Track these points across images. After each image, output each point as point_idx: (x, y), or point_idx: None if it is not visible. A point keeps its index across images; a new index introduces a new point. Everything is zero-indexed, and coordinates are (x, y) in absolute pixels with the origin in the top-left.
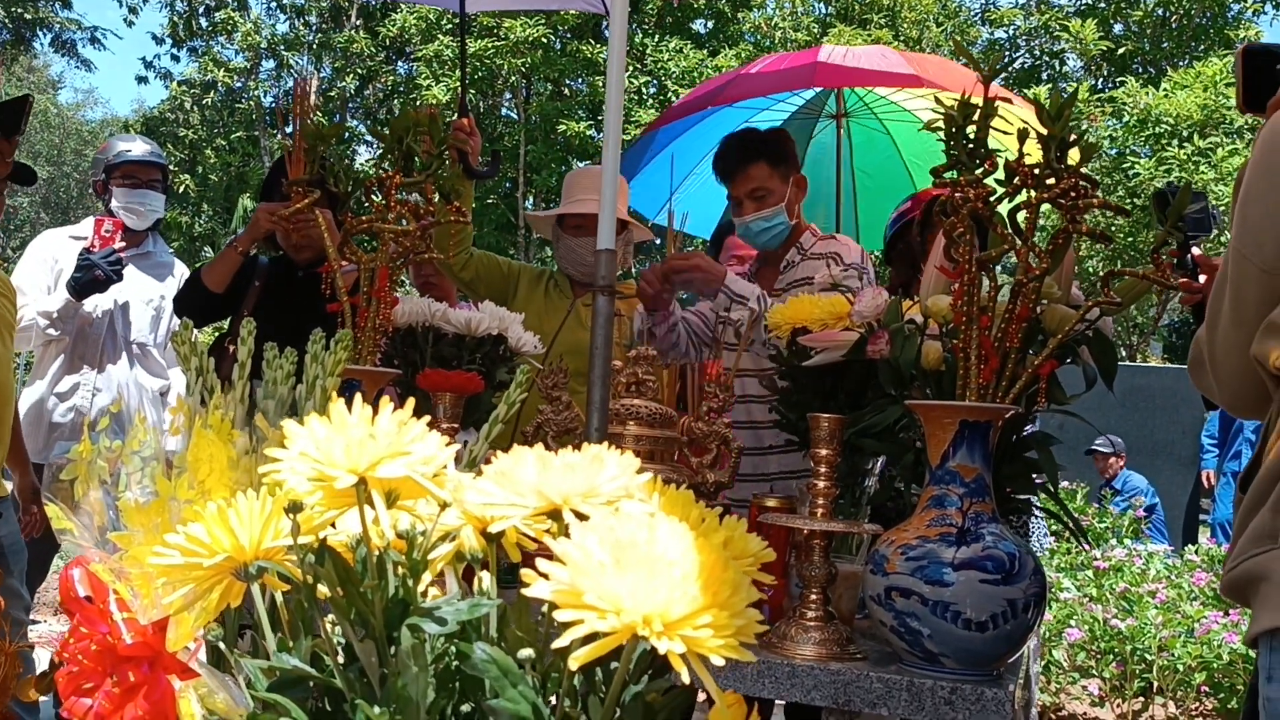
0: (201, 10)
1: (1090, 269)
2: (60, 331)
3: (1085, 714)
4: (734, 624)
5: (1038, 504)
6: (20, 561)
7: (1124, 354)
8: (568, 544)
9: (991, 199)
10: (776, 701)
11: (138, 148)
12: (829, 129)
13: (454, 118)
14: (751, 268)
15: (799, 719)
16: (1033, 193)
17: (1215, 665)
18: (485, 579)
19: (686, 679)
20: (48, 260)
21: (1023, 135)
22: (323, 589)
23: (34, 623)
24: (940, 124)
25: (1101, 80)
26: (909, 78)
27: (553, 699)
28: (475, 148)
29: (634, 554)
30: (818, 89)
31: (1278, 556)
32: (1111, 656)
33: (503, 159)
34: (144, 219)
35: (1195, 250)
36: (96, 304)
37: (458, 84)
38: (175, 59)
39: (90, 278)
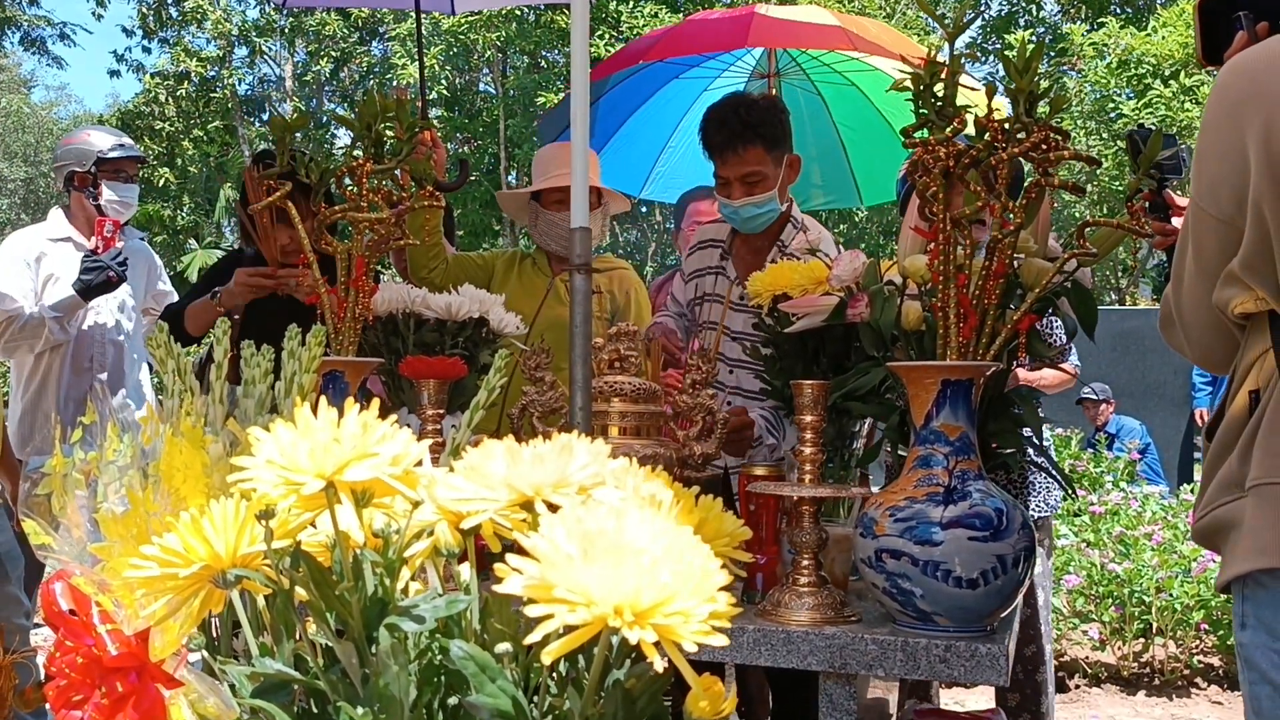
0: (170, 0)
1: (1076, 215)
2: (68, 334)
3: (1087, 658)
4: (706, 608)
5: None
6: (17, 567)
7: (1113, 297)
8: (536, 538)
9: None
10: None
11: (126, 142)
12: (760, 89)
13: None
14: (725, 247)
15: (791, 689)
16: (1004, 148)
17: (1213, 603)
18: (464, 573)
19: (660, 666)
20: (30, 261)
21: (990, 91)
22: (301, 592)
23: (37, 626)
24: (908, 84)
25: (1081, 23)
26: (838, 32)
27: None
28: (440, 160)
29: (602, 543)
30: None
31: (1246, 504)
32: (1110, 600)
33: (477, 152)
34: (129, 211)
35: (1168, 192)
36: (97, 310)
37: (432, 62)
38: (147, 51)
39: (103, 279)
